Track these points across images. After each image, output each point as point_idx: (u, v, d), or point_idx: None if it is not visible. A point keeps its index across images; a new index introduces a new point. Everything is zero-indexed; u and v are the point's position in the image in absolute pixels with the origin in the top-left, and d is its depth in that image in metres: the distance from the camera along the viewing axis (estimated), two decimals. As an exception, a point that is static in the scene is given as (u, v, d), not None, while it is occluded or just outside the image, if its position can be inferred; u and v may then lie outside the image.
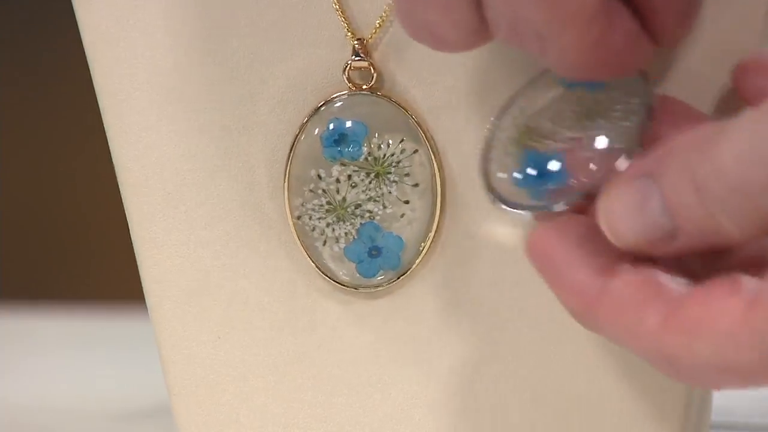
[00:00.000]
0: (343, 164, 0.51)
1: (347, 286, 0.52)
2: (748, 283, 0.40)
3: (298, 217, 0.52)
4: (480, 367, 0.52)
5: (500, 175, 0.46)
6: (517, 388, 0.52)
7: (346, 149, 0.51)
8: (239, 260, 0.53)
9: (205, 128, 0.53)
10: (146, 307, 0.52)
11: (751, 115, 0.39)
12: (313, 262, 0.52)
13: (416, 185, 0.51)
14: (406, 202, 0.51)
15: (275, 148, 0.52)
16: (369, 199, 0.51)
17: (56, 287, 1.60)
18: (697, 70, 0.50)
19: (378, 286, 0.52)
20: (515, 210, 0.45)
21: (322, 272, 0.52)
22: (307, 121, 0.52)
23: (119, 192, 0.53)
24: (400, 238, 0.51)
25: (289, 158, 0.52)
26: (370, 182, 0.51)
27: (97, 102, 0.52)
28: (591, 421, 0.52)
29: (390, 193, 0.51)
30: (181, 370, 0.53)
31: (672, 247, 0.41)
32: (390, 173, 0.51)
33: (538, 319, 0.52)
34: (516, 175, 0.46)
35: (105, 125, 0.53)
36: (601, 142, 0.45)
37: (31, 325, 0.98)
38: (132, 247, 0.53)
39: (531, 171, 0.46)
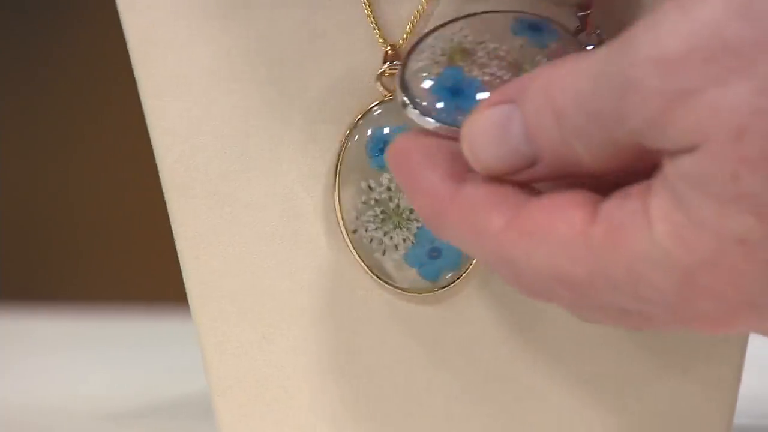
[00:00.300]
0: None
1: (411, 292, 0.52)
2: (593, 198, 0.41)
3: (354, 231, 0.52)
4: (544, 367, 0.52)
5: (419, 77, 0.47)
6: (577, 390, 0.52)
7: None
8: (287, 261, 0.53)
9: (252, 132, 0.53)
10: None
11: (611, 43, 0.40)
12: (375, 274, 0.52)
13: None
14: None
15: (316, 156, 0.53)
16: None
17: (51, 288, 1.60)
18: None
19: (442, 287, 0.52)
20: (423, 116, 0.46)
21: (385, 282, 0.52)
22: (348, 134, 0.52)
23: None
24: None
25: (336, 172, 0.52)
26: None
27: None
28: None
29: None
30: (224, 370, 0.53)
31: (533, 174, 0.42)
32: None
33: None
34: (433, 84, 0.46)
35: (149, 127, 0.53)
36: None
37: (23, 326, 0.97)
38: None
39: (447, 85, 0.46)
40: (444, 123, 0.45)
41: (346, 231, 0.52)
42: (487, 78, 0.46)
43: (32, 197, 1.60)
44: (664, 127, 0.38)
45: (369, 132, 0.51)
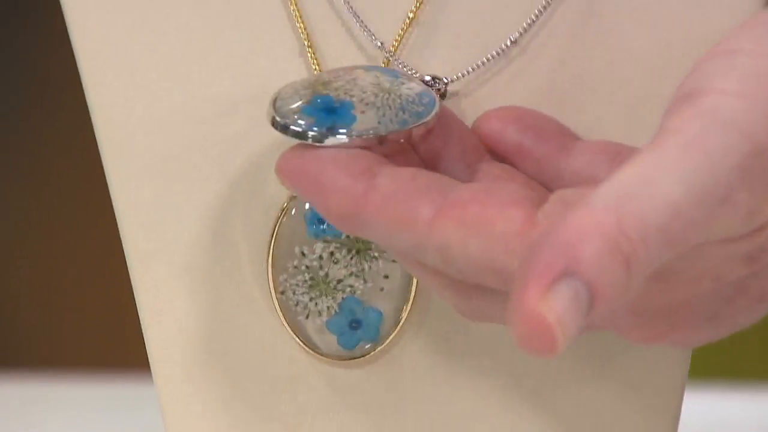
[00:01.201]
0: (325, 241, 0.54)
1: (329, 357, 0.54)
2: (531, 197, 0.42)
3: (282, 292, 0.54)
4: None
5: (290, 105, 0.49)
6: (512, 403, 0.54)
7: (329, 227, 0.53)
8: (227, 331, 0.55)
9: (196, 202, 0.55)
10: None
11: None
12: (296, 335, 0.54)
13: (395, 260, 0.53)
14: (386, 277, 0.54)
15: (258, 222, 0.54)
16: (350, 275, 0.54)
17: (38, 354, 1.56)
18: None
19: (358, 357, 0.54)
20: (298, 136, 0.48)
21: (304, 344, 0.54)
22: (288, 202, 0.54)
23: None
24: (380, 312, 0.54)
25: (272, 236, 0.54)
26: (351, 258, 0.54)
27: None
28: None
29: (370, 268, 0.54)
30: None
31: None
32: (370, 249, 0.53)
33: (518, 376, 0.54)
34: (306, 106, 0.49)
35: (113, 201, 0.55)
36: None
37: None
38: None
39: (320, 107, 0.48)
40: (321, 138, 0.47)
41: (275, 291, 0.54)
42: (356, 99, 0.49)
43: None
44: None
45: None
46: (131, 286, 0.55)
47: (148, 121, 0.54)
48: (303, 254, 0.54)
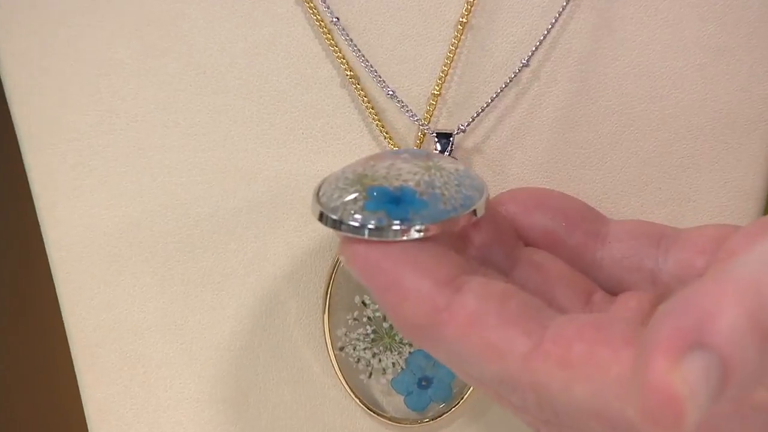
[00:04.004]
0: None
1: (396, 422, 0.49)
2: (640, 333, 0.37)
3: (341, 348, 0.49)
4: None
5: (342, 198, 0.44)
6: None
7: None
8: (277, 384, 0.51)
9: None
10: None
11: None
12: (357, 396, 0.49)
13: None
14: None
15: (303, 270, 0.50)
16: None
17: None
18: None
19: (429, 419, 0.49)
20: (354, 232, 0.42)
21: (368, 407, 0.49)
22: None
23: None
24: None
25: (329, 285, 0.49)
26: None
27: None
28: None
29: None
30: None
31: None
32: None
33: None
34: (365, 201, 0.43)
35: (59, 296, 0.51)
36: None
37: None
38: None
39: (383, 199, 0.43)
40: (380, 233, 0.42)
41: (332, 348, 0.49)
42: (412, 183, 0.44)
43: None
44: None
45: None
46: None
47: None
48: (364, 304, 0.49)
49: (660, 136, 0.51)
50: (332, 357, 0.49)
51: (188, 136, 0.51)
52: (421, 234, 0.41)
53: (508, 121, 0.51)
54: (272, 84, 0.50)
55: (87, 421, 0.52)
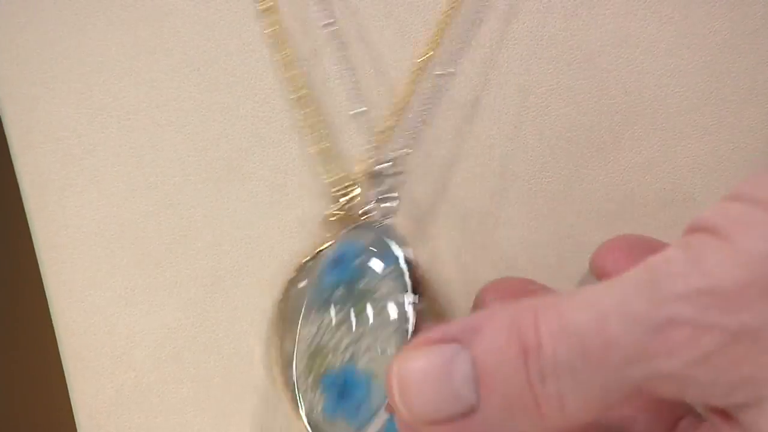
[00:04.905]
0: None
1: None
2: None
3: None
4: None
5: (313, 412, 0.44)
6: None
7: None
8: None
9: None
10: None
11: (621, 279, 0.36)
12: None
13: None
14: None
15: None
16: None
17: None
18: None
19: None
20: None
21: None
22: (292, 278, 0.49)
23: None
24: None
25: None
26: None
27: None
28: None
29: None
30: None
31: (469, 425, 0.36)
32: None
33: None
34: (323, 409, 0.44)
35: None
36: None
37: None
38: None
39: (332, 394, 0.44)
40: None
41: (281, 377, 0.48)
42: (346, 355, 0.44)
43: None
44: (715, 370, 0.34)
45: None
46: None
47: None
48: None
49: (664, 135, 0.50)
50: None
51: (181, 135, 0.50)
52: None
53: (504, 121, 0.50)
54: (267, 82, 0.50)
55: (77, 427, 0.51)
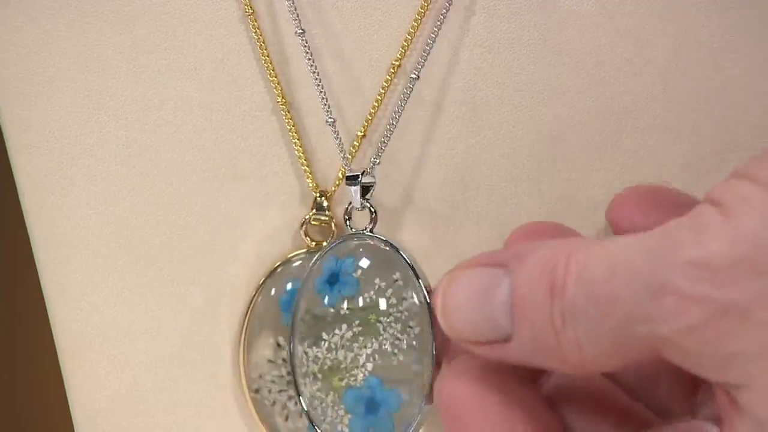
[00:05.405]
0: None
1: None
2: None
3: (256, 391, 0.48)
4: None
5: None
6: None
7: None
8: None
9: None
10: None
11: (642, 237, 0.36)
12: None
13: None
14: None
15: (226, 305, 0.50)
16: None
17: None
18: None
19: None
20: None
21: None
22: (262, 283, 0.49)
23: None
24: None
25: (244, 324, 0.48)
26: None
27: None
28: None
29: None
30: None
31: (504, 352, 0.37)
32: None
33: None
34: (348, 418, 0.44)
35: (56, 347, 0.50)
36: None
37: None
38: None
39: (358, 411, 0.44)
40: None
41: (248, 390, 0.48)
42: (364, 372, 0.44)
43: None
44: (703, 342, 0.34)
45: (288, 285, 0.48)
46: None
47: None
48: (278, 345, 0.48)
49: (663, 135, 0.50)
50: (248, 398, 0.49)
51: (178, 135, 0.50)
52: None
53: (503, 123, 0.50)
54: (265, 81, 0.50)
55: (74, 427, 0.51)
